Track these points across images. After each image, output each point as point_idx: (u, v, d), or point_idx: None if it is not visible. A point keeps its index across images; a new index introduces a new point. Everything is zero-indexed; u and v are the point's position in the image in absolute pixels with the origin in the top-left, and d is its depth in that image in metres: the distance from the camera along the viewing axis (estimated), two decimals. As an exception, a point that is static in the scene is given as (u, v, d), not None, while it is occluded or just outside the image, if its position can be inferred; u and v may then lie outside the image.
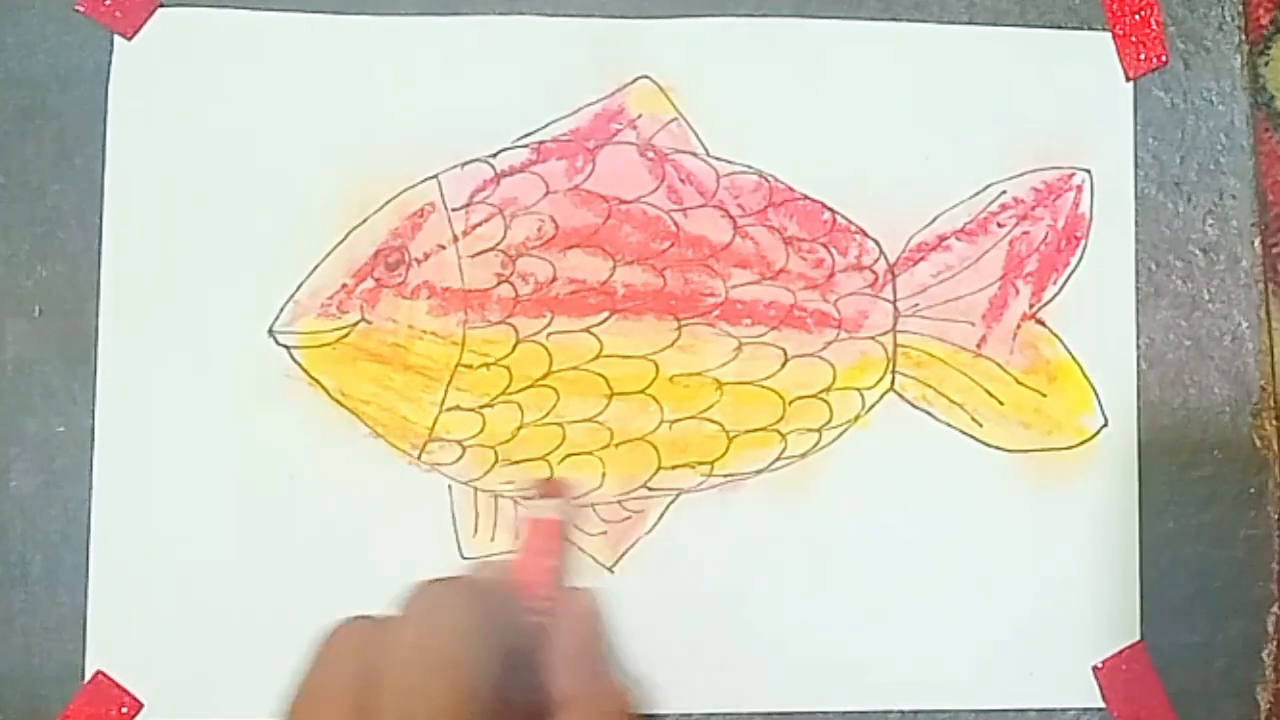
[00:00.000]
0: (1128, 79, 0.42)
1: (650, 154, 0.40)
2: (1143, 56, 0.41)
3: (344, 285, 0.39)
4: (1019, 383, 0.41)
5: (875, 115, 0.41)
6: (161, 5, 0.40)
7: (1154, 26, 0.41)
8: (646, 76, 0.40)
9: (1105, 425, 0.41)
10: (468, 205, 0.40)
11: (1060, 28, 0.41)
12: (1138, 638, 0.40)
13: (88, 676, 0.39)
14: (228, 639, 0.39)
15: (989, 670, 0.40)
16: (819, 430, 0.40)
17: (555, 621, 0.36)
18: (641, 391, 0.40)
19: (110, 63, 0.40)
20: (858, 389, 0.40)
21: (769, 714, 0.39)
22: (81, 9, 0.40)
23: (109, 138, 0.40)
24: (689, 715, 0.39)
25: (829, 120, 0.41)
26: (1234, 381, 0.41)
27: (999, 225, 0.41)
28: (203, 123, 0.40)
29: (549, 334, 0.40)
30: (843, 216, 0.40)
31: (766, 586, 0.40)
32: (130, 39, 0.40)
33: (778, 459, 0.40)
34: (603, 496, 0.40)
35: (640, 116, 0.40)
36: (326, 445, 0.39)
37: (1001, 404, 0.41)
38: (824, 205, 0.40)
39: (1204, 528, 0.40)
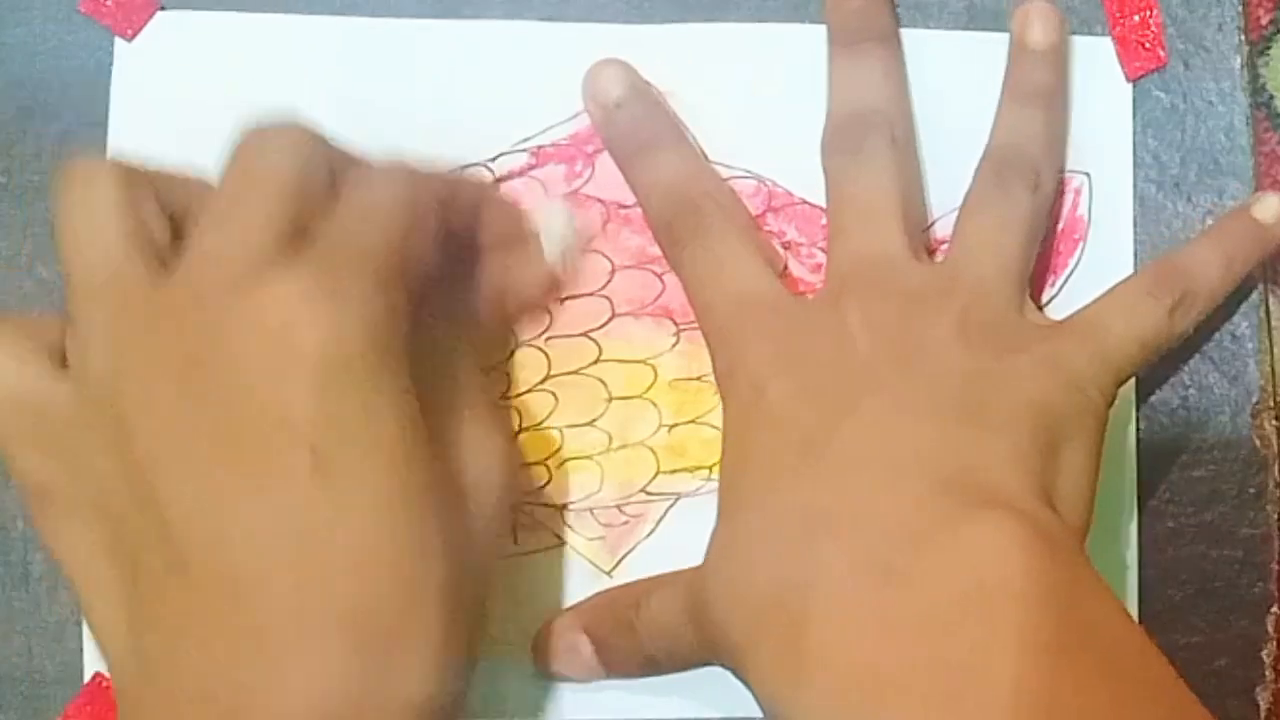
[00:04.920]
0: (1127, 80, 0.41)
1: (650, 159, 0.40)
2: (1143, 58, 0.41)
3: (343, 289, 0.39)
4: (1018, 385, 0.41)
5: (874, 120, 0.40)
6: (161, 8, 0.40)
7: (1153, 28, 0.41)
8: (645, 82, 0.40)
9: (1104, 425, 0.41)
10: (466, 209, 0.40)
11: (1060, 28, 0.41)
12: (1137, 638, 0.40)
13: (87, 678, 0.39)
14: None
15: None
16: (817, 434, 0.40)
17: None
18: (640, 396, 0.40)
19: (112, 64, 0.40)
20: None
21: None
22: (83, 10, 0.40)
23: (110, 139, 0.40)
24: (686, 722, 0.39)
25: (828, 124, 0.40)
26: (1234, 381, 0.41)
27: None
28: (203, 124, 0.39)
29: (547, 338, 0.40)
30: (842, 221, 0.40)
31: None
32: (131, 40, 0.40)
33: (776, 463, 0.40)
34: (601, 501, 0.39)
35: None
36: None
37: (1001, 406, 0.41)
38: (823, 210, 0.40)
39: (1204, 528, 0.40)
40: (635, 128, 0.40)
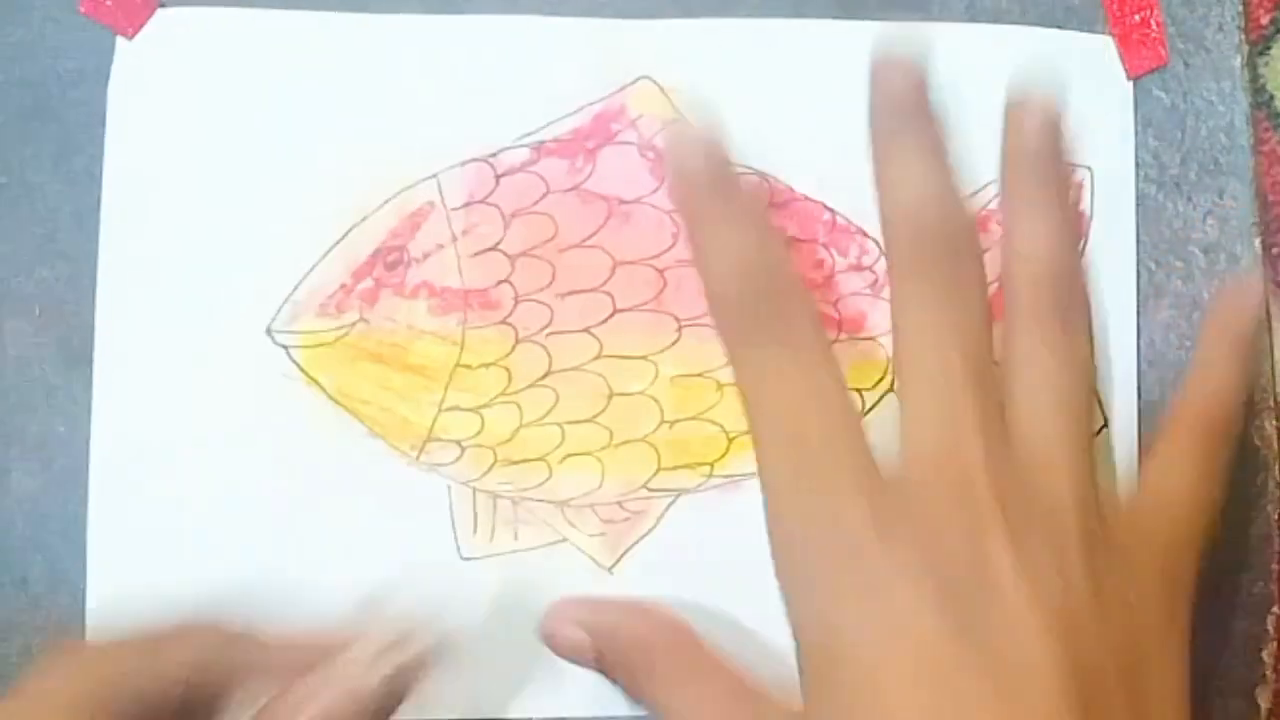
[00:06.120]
0: (1128, 79, 0.42)
1: (651, 154, 0.40)
2: (1143, 56, 0.41)
3: (343, 285, 0.39)
4: (1019, 383, 0.41)
5: (875, 115, 0.40)
6: (161, 5, 0.40)
7: (1154, 27, 0.41)
8: (647, 77, 0.40)
9: (1105, 425, 0.41)
10: (467, 205, 0.40)
11: (1060, 27, 0.41)
12: (1138, 638, 0.40)
13: (87, 677, 0.38)
14: (227, 639, 0.39)
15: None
16: (819, 431, 0.40)
17: None
18: (641, 392, 0.40)
19: (111, 63, 0.40)
20: (858, 389, 0.40)
21: (769, 715, 0.39)
22: (83, 9, 0.40)
23: (109, 138, 0.40)
24: (688, 716, 0.39)
25: (828, 120, 0.40)
26: (1234, 381, 0.41)
27: (998, 225, 0.40)
28: (203, 122, 0.40)
29: (548, 334, 0.40)
30: (842, 217, 0.40)
31: (766, 587, 0.39)
32: (131, 39, 0.40)
33: (777, 459, 0.40)
34: (602, 497, 0.39)
35: (641, 117, 0.40)
36: (325, 445, 0.39)
37: (1001, 404, 0.40)
38: (824, 206, 0.40)
39: (1204, 528, 0.40)
40: (720, 192, 0.34)
